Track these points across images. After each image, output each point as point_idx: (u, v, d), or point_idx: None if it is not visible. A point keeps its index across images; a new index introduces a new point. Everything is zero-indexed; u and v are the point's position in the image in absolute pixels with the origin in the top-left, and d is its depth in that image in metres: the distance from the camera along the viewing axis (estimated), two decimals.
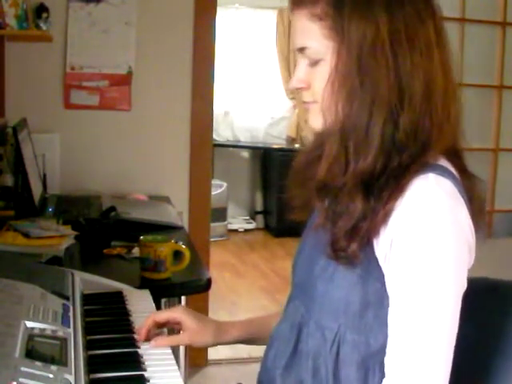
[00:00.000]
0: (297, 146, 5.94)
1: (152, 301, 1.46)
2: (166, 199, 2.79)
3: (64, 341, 1.03)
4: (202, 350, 3.14)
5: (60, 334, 1.05)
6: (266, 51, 6.03)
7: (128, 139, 2.96)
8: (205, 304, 3.13)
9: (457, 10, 3.98)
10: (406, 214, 0.97)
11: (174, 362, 1.15)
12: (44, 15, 2.69)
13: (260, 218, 6.23)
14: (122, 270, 1.80)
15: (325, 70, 1.02)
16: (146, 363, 1.11)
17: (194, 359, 3.08)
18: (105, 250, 1.90)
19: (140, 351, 1.16)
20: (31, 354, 0.94)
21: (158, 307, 1.56)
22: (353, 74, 0.99)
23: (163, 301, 1.97)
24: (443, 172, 0.99)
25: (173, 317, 1.26)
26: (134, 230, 2.03)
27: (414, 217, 0.96)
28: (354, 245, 1.00)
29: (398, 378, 0.96)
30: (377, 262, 1.01)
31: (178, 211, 2.61)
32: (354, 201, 1.00)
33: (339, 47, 1.00)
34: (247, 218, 6.21)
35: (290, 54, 5.88)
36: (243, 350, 3.14)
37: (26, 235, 1.89)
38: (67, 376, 0.91)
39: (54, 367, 0.92)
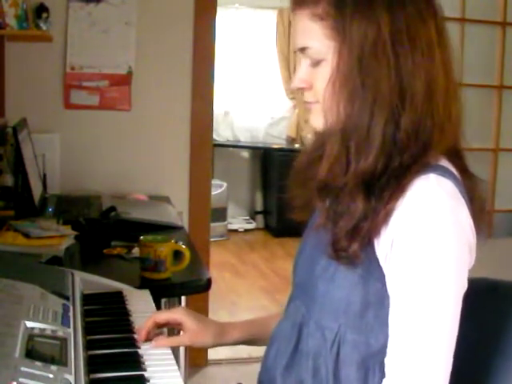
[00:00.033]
0: (297, 146, 5.94)
1: (152, 301, 1.46)
2: (166, 199, 2.78)
3: (64, 341, 1.03)
4: (202, 350, 3.13)
5: (60, 334, 1.05)
6: (266, 51, 6.03)
7: (128, 139, 2.96)
8: (205, 304, 3.13)
9: (457, 10, 3.98)
10: (407, 215, 0.97)
11: (174, 362, 1.15)
12: (44, 15, 2.69)
13: (260, 218, 6.23)
14: (122, 270, 1.80)
15: (326, 70, 1.02)
16: (146, 363, 1.11)
17: (194, 359, 3.08)
18: (105, 250, 1.90)
19: (140, 351, 1.16)
20: (31, 354, 0.93)
21: (158, 307, 1.55)
22: (354, 74, 0.99)
23: (163, 301, 1.97)
24: (444, 172, 0.99)
25: (173, 318, 1.25)
26: (134, 230, 2.02)
27: (414, 217, 0.96)
28: (354, 245, 1.00)
29: (398, 378, 0.96)
30: (378, 262, 1.01)
31: (178, 211, 2.61)
32: (355, 201, 1.00)
33: (340, 47, 1.00)
34: (247, 218, 6.21)
35: (290, 54, 5.87)
36: (243, 350, 3.14)
37: (26, 235, 1.89)
38: (67, 376, 0.91)
39: (54, 367, 0.92)
